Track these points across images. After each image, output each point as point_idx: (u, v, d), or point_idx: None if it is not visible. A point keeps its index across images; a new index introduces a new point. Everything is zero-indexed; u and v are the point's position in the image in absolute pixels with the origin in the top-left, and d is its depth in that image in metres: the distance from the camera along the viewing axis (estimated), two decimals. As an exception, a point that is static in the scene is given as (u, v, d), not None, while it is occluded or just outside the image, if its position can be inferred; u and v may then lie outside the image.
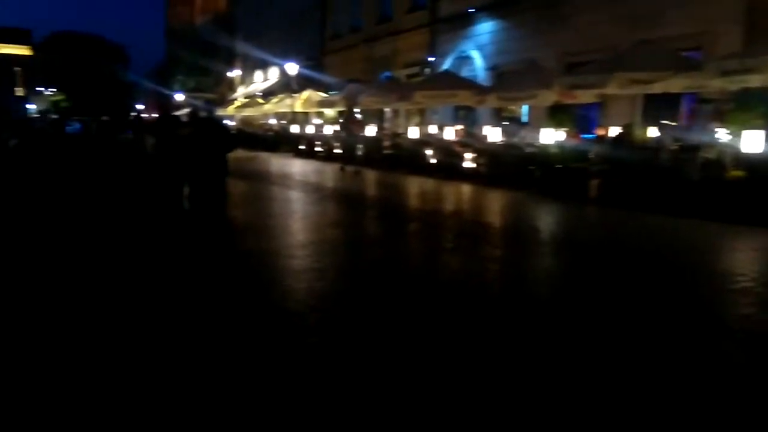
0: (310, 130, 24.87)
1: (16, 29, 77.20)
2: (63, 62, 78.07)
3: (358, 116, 21.48)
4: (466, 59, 23.09)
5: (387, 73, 28.03)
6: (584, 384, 3.61)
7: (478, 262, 6.84)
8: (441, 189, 13.87)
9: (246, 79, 47.18)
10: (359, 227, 9.26)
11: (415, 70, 25.62)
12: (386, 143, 19.03)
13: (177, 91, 55.67)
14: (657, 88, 11.58)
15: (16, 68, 75.67)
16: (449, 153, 15.77)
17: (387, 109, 26.95)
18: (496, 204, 11.90)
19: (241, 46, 46.90)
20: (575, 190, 11.56)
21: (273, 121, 32.92)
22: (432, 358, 3.95)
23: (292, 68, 26.61)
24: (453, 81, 17.81)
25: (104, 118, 46.38)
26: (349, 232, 8.58)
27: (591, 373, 3.77)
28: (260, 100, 32.74)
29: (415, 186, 14.76)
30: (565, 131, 13.20)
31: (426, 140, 17.02)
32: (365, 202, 12.21)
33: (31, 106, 71.62)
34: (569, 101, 13.71)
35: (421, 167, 16.56)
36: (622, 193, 10.65)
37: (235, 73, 49.31)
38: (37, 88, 79.14)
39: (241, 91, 45.44)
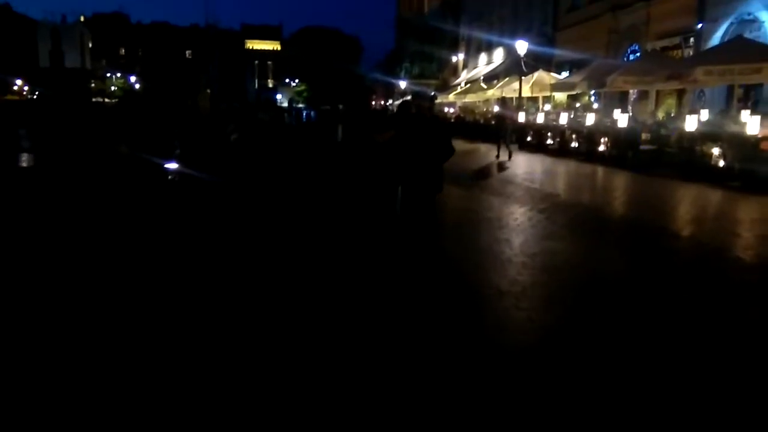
0: (539, 118, 20.64)
1: (269, 27, 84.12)
2: (306, 55, 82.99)
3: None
4: (749, 23, 17.01)
5: (634, 47, 22.68)
6: None
7: None
8: (745, 209, 8.99)
9: (469, 63, 43.99)
10: (651, 302, 5.27)
11: (674, 41, 19.94)
12: (644, 136, 14.16)
13: (402, 78, 54.78)
14: None
15: (269, 62, 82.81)
16: (751, 153, 10.59)
17: (632, 92, 21.55)
18: None
19: (466, 29, 43.82)
20: None
21: (497, 108, 29.12)
22: None
23: (522, 46, 22.44)
24: (755, 50, 12.32)
25: (340, 107, 47.30)
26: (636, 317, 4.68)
27: None
28: (483, 85, 29.21)
29: (699, 201, 10.01)
30: None
31: (710, 134, 11.87)
32: (651, 237, 7.81)
33: (279, 96, 77.67)
34: None
35: (701, 171, 11.58)
36: None
37: (458, 58, 46.41)
38: (286, 80, 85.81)
39: (464, 76, 42.43)
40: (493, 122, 21.55)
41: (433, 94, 38.13)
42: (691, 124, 12.32)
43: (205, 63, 58.69)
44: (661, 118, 16.03)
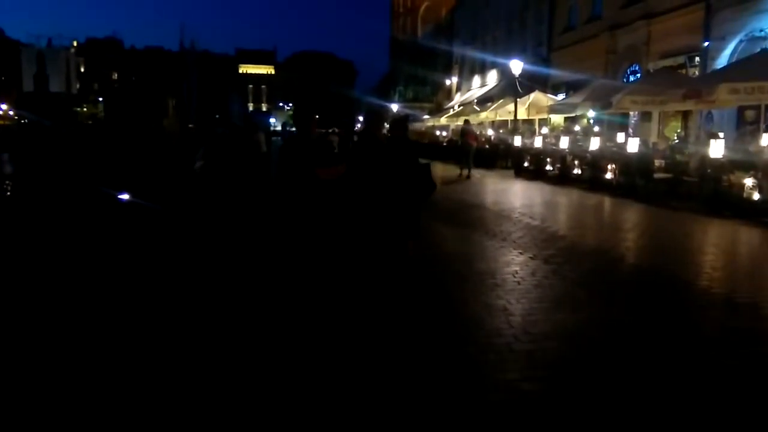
0: (536, 142, 18.80)
1: (263, 51, 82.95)
2: (300, 79, 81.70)
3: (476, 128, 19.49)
4: (760, 40, 15.49)
5: (634, 67, 21.12)
6: None
7: None
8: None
9: (463, 86, 42.51)
10: None
11: (678, 60, 18.33)
12: (657, 163, 12.32)
13: (395, 101, 53.37)
14: None
15: (262, 86, 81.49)
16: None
17: (633, 114, 19.84)
18: None
19: (460, 51, 42.47)
20: None
21: (490, 132, 27.44)
22: None
23: (517, 66, 20.71)
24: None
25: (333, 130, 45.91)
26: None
27: None
28: (477, 108, 27.57)
29: (742, 246, 8.09)
30: None
31: (741, 161, 10.00)
32: (700, 305, 5.75)
33: (272, 120, 76.23)
34: None
35: (731, 205, 9.71)
36: None
37: (452, 81, 44.96)
38: (279, 103, 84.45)
39: (457, 99, 40.91)
40: (456, 140, 20.28)
41: (410, 115, 36.65)
42: (716, 149, 10.43)
43: (177, 86, 57.12)
44: (671, 142, 14.22)
